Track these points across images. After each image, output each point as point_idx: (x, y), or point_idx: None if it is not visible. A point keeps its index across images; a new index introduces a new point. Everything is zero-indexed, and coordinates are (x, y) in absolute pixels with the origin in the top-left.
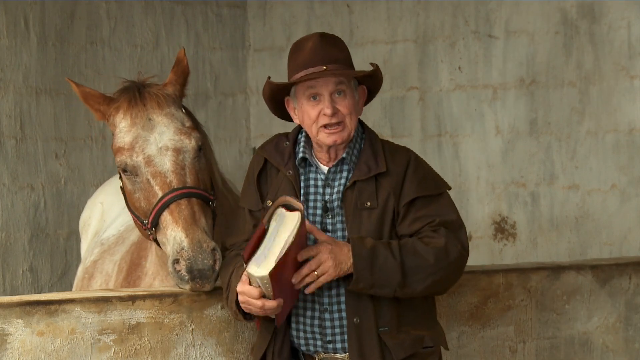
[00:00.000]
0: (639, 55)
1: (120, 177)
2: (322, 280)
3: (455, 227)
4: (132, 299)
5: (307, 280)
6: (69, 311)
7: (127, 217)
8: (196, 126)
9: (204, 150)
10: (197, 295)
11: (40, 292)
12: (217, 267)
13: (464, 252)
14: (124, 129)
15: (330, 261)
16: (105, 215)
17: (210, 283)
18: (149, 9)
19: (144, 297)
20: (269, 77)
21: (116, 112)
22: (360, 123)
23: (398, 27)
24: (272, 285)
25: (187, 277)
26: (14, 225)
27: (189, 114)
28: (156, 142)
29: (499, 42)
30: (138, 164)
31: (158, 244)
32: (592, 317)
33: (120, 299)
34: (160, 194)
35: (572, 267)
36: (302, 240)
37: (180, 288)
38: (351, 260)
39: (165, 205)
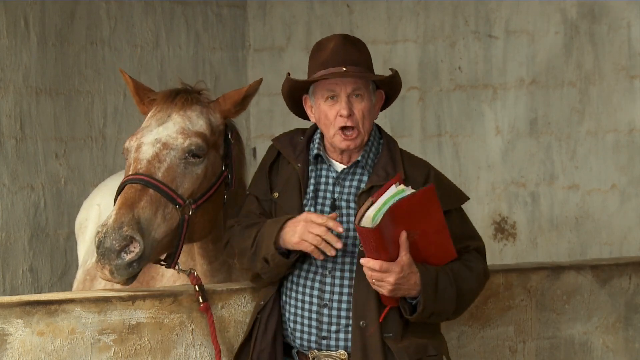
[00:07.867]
0: (639, 55)
1: None
2: (374, 286)
3: (484, 253)
4: (132, 298)
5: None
6: (69, 311)
7: None
8: (227, 145)
9: (207, 163)
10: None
11: (40, 292)
12: (125, 258)
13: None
14: (146, 119)
15: (392, 279)
16: (102, 217)
17: (115, 272)
18: (149, 9)
19: (144, 297)
20: (289, 74)
21: (151, 106)
22: (378, 128)
23: (398, 27)
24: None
25: (95, 253)
26: (14, 225)
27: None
28: (155, 134)
29: (499, 42)
30: (130, 148)
31: None
32: (592, 317)
33: (121, 298)
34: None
35: (572, 267)
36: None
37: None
38: (416, 290)
39: (122, 188)
